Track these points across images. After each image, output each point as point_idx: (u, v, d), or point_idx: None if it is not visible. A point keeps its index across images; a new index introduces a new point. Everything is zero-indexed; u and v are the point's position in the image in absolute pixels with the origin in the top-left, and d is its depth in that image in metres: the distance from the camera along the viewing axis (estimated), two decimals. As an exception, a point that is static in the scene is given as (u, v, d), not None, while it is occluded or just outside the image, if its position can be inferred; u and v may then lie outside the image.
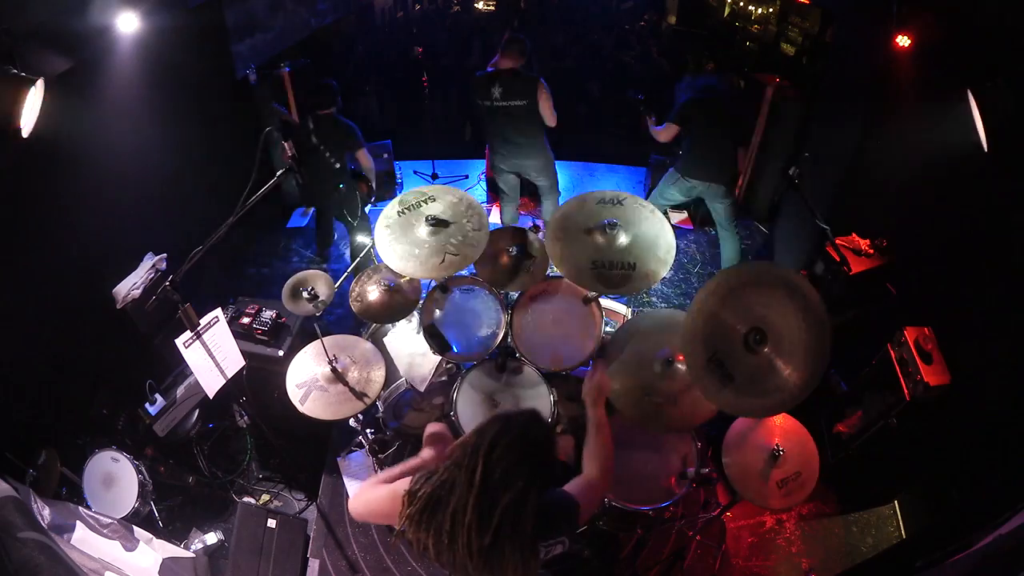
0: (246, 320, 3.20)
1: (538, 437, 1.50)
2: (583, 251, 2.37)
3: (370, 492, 1.69)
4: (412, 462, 1.83)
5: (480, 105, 4.04)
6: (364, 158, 4.15)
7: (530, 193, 5.51)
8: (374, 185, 4.33)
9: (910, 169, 3.19)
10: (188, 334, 2.42)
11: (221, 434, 3.53)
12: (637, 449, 2.57)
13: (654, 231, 2.44)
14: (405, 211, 2.53)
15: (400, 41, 7.77)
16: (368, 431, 2.89)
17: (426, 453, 1.88)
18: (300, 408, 2.51)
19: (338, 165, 4.08)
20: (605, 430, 1.86)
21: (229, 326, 2.65)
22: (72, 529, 2.34)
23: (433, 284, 2.91)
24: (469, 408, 2.66)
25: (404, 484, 1.62)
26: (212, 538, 3.06)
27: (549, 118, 4.05)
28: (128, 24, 2.86)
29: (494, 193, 5.55)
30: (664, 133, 4.09)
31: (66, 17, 2.59)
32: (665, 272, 2.35)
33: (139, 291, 3.07)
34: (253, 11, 4.22)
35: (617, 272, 2.34)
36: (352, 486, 3.26)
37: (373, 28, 7.94)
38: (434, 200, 2.58)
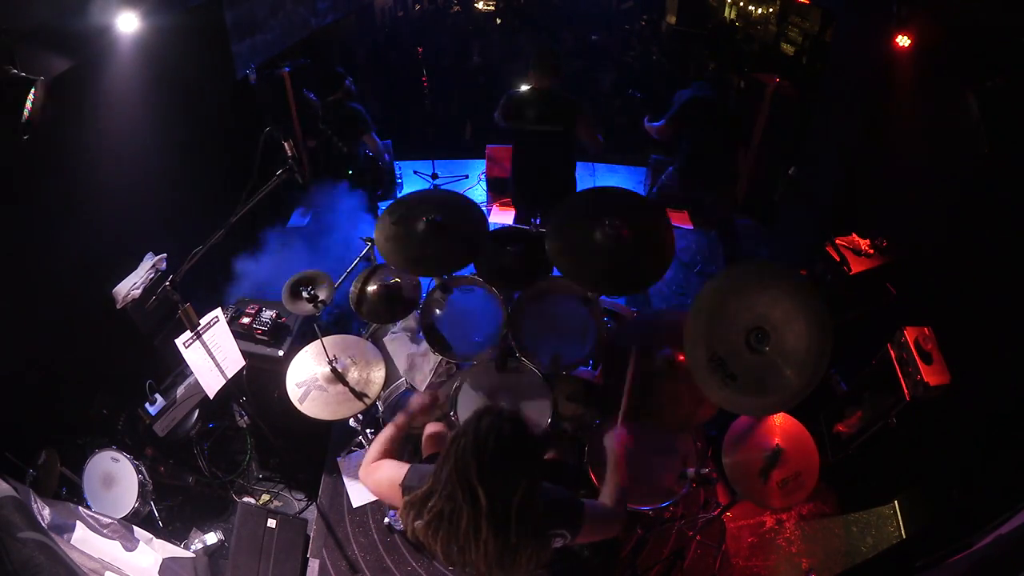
0: (246, 320, 3.19)
1: (511, 430, 1.48)
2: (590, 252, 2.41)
3: (380, 468, 1.78)
4: (399, 420, 1.97)
5: (513, 127, 3.61)
6: (370, 141, 4.26)
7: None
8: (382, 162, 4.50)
9: (910, 169, 3.19)
10: (188, 334, 2.42)
11: (221, 434, 3.53)
12: (637, 449, 2.56)
13: None
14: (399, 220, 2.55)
15: (400, 41, 7.77)
16: (368, 431, 2.89)
17: (415, 403, 2.03)
18: (299, 407, 2.51)
19: (346, 150, 4.15)
20: (622, 471, 1.88)
21: (229, 326, 2.65)
22: (72, 529, 2.34)
23: (433, 284, 2.91)
24: (469, 408, 2.65)
25: (401, 473, 1.69)
26: (212, 538, 3.06)
27: (591, 143, 3.65)
28: (128, 24, 2.86)
29: (495, 193, 5.56)
30: (659, 131, 4.09)
31: (66, 17, 2.59)
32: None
33: (139, 291, 3.07)
34: (253, 11, 4.21)
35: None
36: (352, 486, 3.26)
37: (373, 28, 7.94)
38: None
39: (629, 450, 1.96)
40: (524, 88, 3.58)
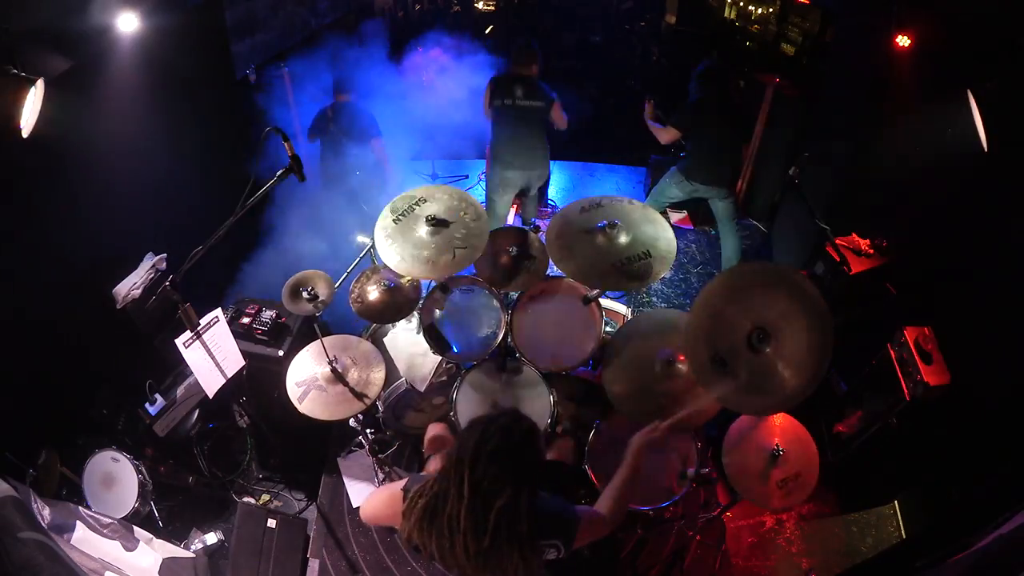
0: (246, 320, 3.19)
1: (520, 438, 1.50)
2: (597, 257, 2.40)
3: (374, 497, 1.77)
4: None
5: (499, 105, 4.08)
6: (377, 149, 4.24)
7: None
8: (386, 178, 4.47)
9: (910, 169, 3.19)
10: (188, 334, 2.42)
11: (221, 434, 3.53)
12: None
13: (649, 226, 2.47)
14: (400, 218, 2.54)
15: (400, 41, 7.76)
16: (368, 431, 2.89)
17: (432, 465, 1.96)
18: (298, 407, 2.51)
19: (352, 153, 4.14)
20: (636, 478, 1.80)
21: (229, 326, 2.65)
22: (72, 529, 2.34)
23: (433, 284, 2.91)
24: (469, 408, 2.66)
25: (399, 484, 1.69)
26: (212, 538, 3.06)
27: (560, 121, 4.22)
28: (128, 24, 2.86)
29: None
30: (664, 135, 4.09)
31: (66, 17, 2.59)
32: (674, 251, 2.41)
33: (139, 291, 3.07)
34: (253, 11, 4.21)
35: (638, 264, 2.37)
36: (352, 486, 3.26)
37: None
38: (425, 201, 2.58)
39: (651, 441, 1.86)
40: (507, 74, 4.16)
